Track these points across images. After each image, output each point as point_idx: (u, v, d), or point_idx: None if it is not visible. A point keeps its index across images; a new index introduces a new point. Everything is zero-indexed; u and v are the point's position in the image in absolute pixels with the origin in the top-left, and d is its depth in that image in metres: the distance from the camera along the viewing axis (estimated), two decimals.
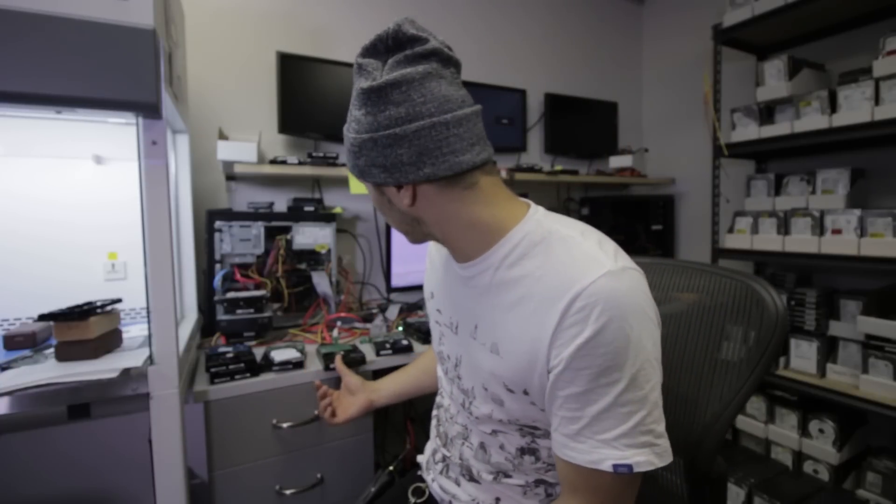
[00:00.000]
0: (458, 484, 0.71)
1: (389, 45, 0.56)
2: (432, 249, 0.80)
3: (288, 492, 1.15)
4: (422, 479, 0.82)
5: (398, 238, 1.78)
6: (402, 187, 0.58)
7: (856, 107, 1.45)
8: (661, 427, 0.54)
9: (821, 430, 1.59)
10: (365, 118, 0.55)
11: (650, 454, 0.52)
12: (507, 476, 0.66)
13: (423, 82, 0.54)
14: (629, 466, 0.51)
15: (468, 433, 0.69)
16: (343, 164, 1.64)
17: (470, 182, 0.58)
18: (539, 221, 0.60)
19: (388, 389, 0.98)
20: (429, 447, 0.83)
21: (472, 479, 0.69)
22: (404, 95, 0.53)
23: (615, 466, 0.51)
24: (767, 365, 0.70)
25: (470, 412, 0.67)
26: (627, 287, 0.52)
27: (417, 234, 0.65)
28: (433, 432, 0.81)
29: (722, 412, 0.72)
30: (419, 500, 0.79)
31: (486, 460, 0.67)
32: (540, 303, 0.55)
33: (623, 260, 0.56)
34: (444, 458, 0.75)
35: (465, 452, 0.70)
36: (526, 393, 0.58)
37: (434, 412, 0.83)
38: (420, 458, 0.85)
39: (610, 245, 0.58)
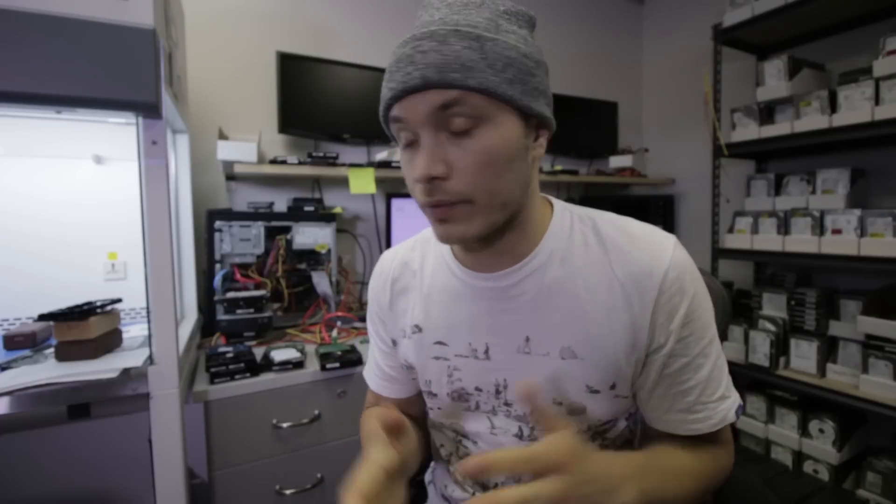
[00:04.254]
0: (496, 486, 0.62)
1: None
2: (387, 280, 0.67)
3: (288, 492, 1.15)
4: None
5: (398, 238, 1.78)
6: (544, 131, 0.54)
7: (856, 107, 1.45)
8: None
9: (821, 430, 1.59)
10: (530, 40, 0.51)
11: (735, 389, 0.58)
12: None
13: None
14: (741, 406, 0.57)
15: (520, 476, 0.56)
16: (343, 164, 1.64)
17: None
18: (566, 208, 0.60)
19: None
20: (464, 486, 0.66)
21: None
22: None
23: (736, 413, 0.56)
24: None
25: (534, 439, 0.58)
26: (686, 252, 0.56)
27: (510, 211, 0.51)
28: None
29: None
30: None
31: None
32: (624, 286, 0.53)
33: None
34: (474, 491, 0.64)
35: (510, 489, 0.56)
36: (613, 387, 0.55)
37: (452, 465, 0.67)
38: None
39: (651, 225, 0.60)
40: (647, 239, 0.55)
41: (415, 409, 0.72)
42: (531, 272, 0.56)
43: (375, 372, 0.72)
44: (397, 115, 0.49)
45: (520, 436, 0.59)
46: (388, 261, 0.69)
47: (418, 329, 0.63)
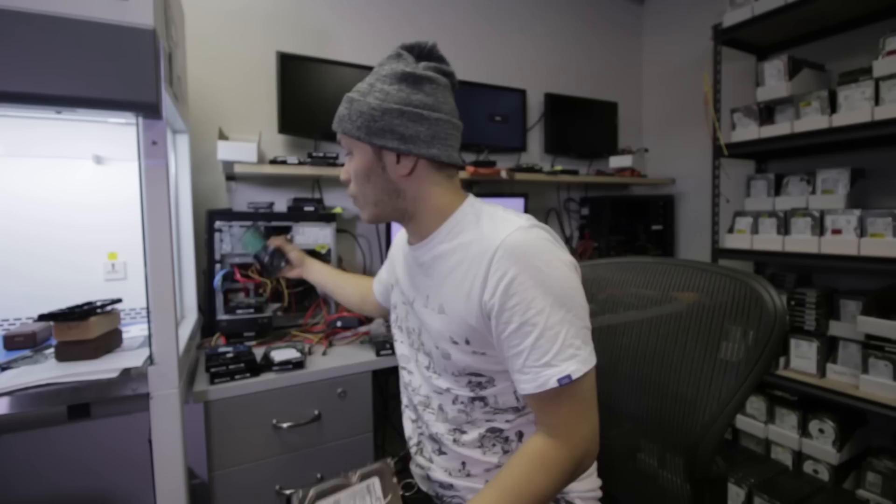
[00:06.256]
0: (430, 461, 0.80)
1: (424, 53, 0.74)
2: (394, 247, 0.94)
3: (288, 492, 1.15)
4: (411, 475, 0.86)
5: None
6: (406, 157, 0.70)
7: (856, 107, 1.45)
8: (579, 341, 0.64)
9: (821, 430, 1.59)
10: (397, 93, 0.69)
11: (577, 363, 0.63)
12: (463, 432, 0.74)
13: (444, 90, 0.73)
14: (569, 376, 0.62)
15: (429, 400, 0.79)
16: (342, 164, 1.63)
17: (450, 174, 0.75)
18: (472, 204, 0.75)
19: (316, 276, 1.25)
20: (409, 437, 0.87)
21: (440, 452, 0.77)
22: (434, 91, 0.71)
23: (559, 380, 0.62)
24: (766, 365, 0.70)
25: (433, 373, 0.77)
26: (535, 236, 0.66)
27: (387, 208, 0.75)
28: (407, 425, 0.87)
29: (720, 412, 0.72)
30: (409, 494, 0.83)
31: (445, 419, 0.76)
32: (471, 262, 0.68)
33: (535, 223, 0.69)
34: (419, 440, 0.83)
35: (428, 417, 0.78)
36: (468, 342, 0.70)
37: (403, 403, 0.88)
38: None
39: (527, 216, 0.71)
40: (499, 223, 0.68)
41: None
42: (432, 246, 0.74)
43: (379, 275, 1.08)
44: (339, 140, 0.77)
45: (428, 367, 0.78)
46: (400, 235, 0.91)
47: (397, 281, 0.87)
